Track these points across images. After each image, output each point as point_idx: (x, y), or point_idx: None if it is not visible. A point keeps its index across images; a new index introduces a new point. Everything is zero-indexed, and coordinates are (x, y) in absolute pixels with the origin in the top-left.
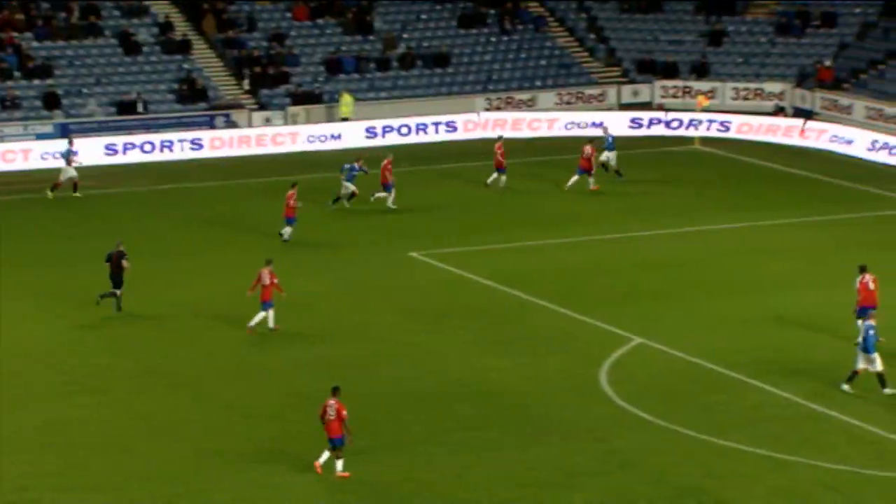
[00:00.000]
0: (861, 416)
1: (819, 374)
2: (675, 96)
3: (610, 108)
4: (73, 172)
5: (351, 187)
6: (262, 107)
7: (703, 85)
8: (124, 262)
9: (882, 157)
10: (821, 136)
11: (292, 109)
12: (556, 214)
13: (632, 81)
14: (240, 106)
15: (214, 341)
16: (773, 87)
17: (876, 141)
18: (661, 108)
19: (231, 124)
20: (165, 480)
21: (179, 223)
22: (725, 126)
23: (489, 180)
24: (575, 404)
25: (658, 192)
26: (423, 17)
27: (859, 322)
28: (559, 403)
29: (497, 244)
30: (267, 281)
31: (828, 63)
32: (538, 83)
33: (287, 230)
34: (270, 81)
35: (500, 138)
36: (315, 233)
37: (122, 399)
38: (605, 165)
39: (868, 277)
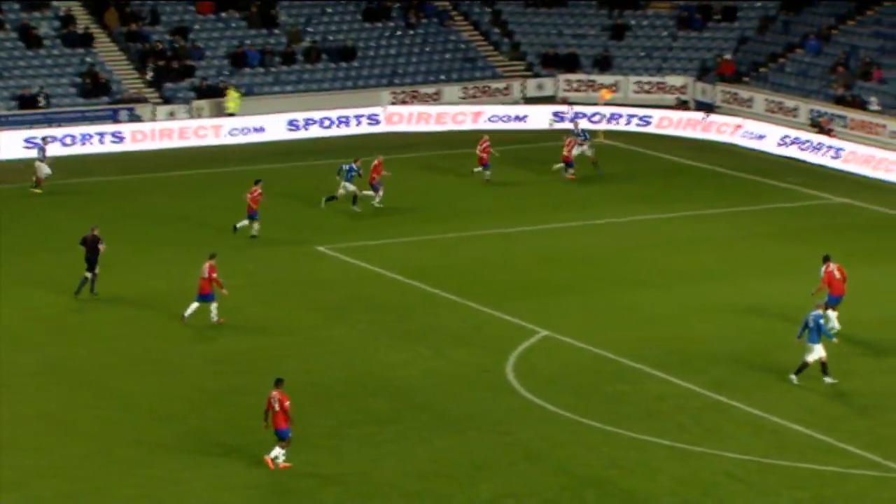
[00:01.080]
0: (763, 406)
1: (722, 365)
2: (578, 90)
3: (516, 102)
4: (47, 169)
5: (351, 188)
6: (167, 101)
7: (606, 78)
8: (101, 246)
9: (792, 151)
10: (736, 130)
11: (196, 103)
12: (463, 208)
13: (536, 75)
14: (143, 100)
15: (118, 336)
16: (675, 80)
17: (787, 136)
18: (564, 101)
19: (135, 118)
20: (69, 478)
21: (93, 217)
22: (646, 120)
23: (475, 170)
24: (481, 397)
25: (563, 186)
26: (328, 10)
27: (829, 312)
28: (466, 396)
29: (404, 238)
30: (206, 274)
31: (728, 57)
32: (443, 77)
33: (243, 223)
34: (174, 75)
35: (485, 134)
36: (222, 227)
37: (24, 396)
38: (577, 159)
39: (833, 266)
